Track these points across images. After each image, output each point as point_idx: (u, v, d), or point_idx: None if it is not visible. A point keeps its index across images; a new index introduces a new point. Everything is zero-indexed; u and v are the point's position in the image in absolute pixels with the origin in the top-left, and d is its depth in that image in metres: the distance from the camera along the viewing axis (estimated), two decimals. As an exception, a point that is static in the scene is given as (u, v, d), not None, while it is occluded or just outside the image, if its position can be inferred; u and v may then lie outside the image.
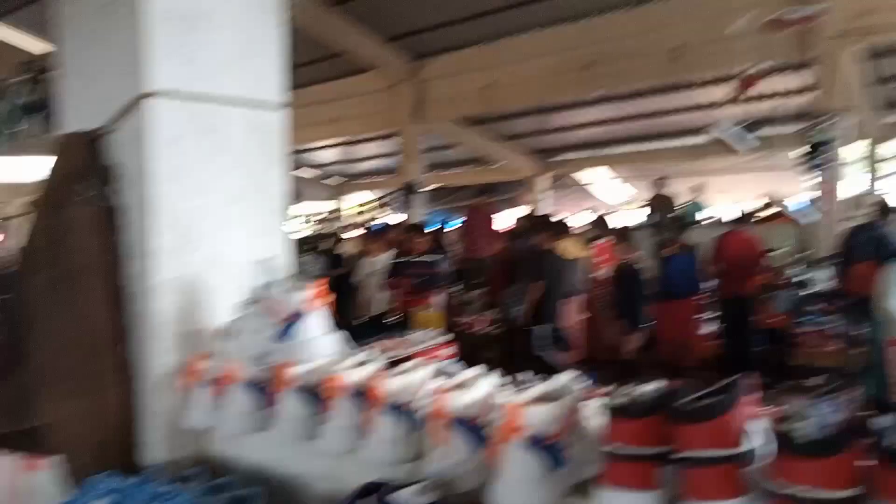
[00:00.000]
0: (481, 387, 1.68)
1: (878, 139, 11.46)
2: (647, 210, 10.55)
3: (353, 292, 7.64)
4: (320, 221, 14.72)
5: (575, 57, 9.00)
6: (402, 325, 6.01)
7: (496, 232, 9.39)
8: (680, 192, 11.46)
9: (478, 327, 8.16)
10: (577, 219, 13.01)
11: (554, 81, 9.54)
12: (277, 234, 2.52)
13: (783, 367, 6.46)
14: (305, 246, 9.54)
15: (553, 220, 8.01)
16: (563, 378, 1.63)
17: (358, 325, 7.59)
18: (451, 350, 5.36)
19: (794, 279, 6.92)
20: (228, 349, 2.14)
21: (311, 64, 11.16)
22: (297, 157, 15.99)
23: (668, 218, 8.99)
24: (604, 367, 6.71)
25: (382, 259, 7.27)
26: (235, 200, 2.39)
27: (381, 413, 1.75)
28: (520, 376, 4.60)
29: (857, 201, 8.29)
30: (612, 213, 13.28)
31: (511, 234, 8.84)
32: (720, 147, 6.42)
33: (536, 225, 7.14)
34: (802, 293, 6.76)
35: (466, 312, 8.90)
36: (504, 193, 16.97)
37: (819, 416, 1.13)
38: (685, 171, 13.42)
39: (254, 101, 2.42)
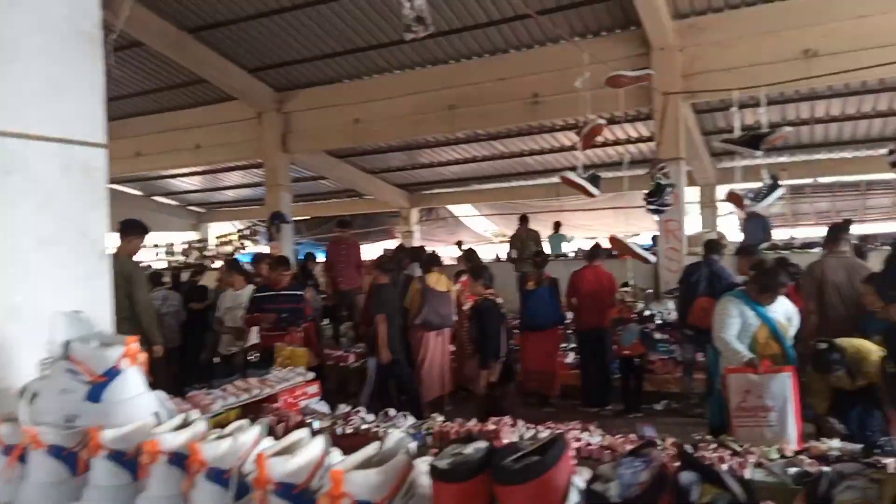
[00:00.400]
0: (311, 449, 1.59)
1: (715, 183, 12.74)
2: (511, 244, 10.89)
3: (214, 326, 7.22)
4: (181, 252, 13.92)
5: (439, 97, 9.37)
6: (267, 362, 5.73)
7: (365, 264, 9.28)
8: (542, 227, 12.00)
9: (347, 361, 8.00)
10: (447, 251, 13.27)
11: (419, 120, 9.82)
12: (99, 280, 2.29)
13: (638, 394, 6.85)
14: (162, 279, 8.96)
15: (422, 252, 8.07)
16: (396, 437, 1.57)
17: (218, 363, 7.17)
18: (316, 388, 5.18)
19: (643, 312, 7.38)
20: (31, 411, 1.90)
21: (173, 89, 10.68)
22: (156, 184, 15.12)
23: (530, 252, 9.33)
24: (468, 399, 6.80)
25: (246, 292, 6.91)
26: (45, 245, 2.16)
27: (204, 480, 1.61)
28: (390, 412, 4.46)
29: (695, 239, 9.07)
30: (480, 245, 13.64)
31: (379, 267, 8.77)
32: (576, 187, 6.82)
33: (383, 260, 7.10)
34: (650, 325, 7.22)
35: (335, 346, 8.71)
36: (377, 225, 16.99)
37: (626, 475, 1.15)
38: (546, 208, 14.16)
39: (66, 139, 2.21)
